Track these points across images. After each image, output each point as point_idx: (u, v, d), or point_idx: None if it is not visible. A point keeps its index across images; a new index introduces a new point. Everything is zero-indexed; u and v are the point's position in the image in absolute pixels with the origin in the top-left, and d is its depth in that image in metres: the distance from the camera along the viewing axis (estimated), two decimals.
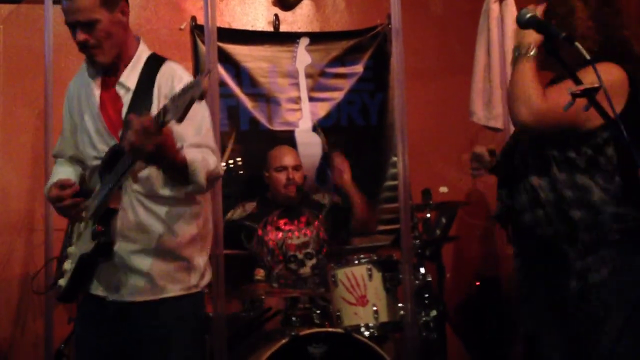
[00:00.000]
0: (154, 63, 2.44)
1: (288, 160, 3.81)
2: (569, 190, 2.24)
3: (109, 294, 2.39)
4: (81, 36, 2.33)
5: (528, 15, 2.08)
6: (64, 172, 2.54)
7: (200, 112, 2.35)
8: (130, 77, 2.41)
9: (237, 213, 3.78)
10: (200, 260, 2.47)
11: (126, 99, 2.39)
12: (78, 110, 2.49)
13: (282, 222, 3.73)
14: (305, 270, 3.63)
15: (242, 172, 4.10)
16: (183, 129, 2.23)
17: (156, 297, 2.37)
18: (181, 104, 1.97)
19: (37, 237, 3.72)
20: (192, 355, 2.45)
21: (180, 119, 1.99)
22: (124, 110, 2.37)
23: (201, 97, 1.95)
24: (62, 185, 2.41)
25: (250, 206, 3.81)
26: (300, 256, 3.64)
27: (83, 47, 2.37)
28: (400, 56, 3.14)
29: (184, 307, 2.41)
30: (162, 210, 2.38)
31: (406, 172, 3.05)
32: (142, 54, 2.46)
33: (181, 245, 2.41)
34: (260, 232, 3.71)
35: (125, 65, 2.42)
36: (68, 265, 2.42)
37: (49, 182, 2.52)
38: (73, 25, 2.35)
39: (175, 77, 2.39)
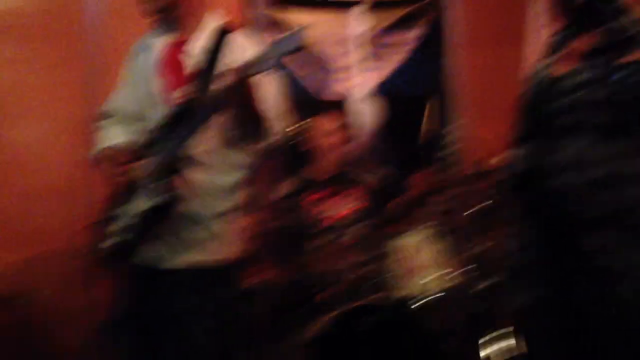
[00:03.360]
0: (223, 32, 2.47)
1: (319, 126, 3.73)
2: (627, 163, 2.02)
3: (150, 260, 2.40)
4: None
5: None
6: (117, 135, 2.55)
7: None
8: (196, 43, 2.45)
9: (281, 192, 3.70)
10: (238, 230, 2.51)
11: (190, 63, 2.42)
12: (137, 74, 2.53)
13: (325, 194, 3.64)
14: (350, 239, 3.54)
15: (289, 143, 4.07)
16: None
17: (194, 265, 2.40)
18: (274, 53, 2.07)
19: (81, 205, 3.72)
20: (223, 325, 2.48)
21: (268, 69, 2.11)
22: (186, 74, 2.41)
23: (296, 50, 2.05)
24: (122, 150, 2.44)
25: (293, 182, 3.74)
26: (344, 227, 3.56)
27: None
28: (456, 23, 3.06)
29: (219, 276, 2.44)
30: (210, 177, 2.40)
31: (463, 139, 2.96)
32: (209, 23, 2.49)
33: (227, 211, 2.45)
34: (304, 204, 3.63)
35: (190, 32, 2.47)
36: (117, 226, 2.41)
37: (102, 143, 2.54)
38: None
39: (242, 46, 2.43)
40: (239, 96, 2.19)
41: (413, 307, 3.06)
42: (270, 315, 3.20)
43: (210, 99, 2.26)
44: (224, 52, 2.42)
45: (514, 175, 2.30)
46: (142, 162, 2.37)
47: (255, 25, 3.97)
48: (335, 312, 3.00)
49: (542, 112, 2.19)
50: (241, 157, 2.46)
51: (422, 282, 3.13)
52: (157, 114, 2.40)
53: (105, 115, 2.62)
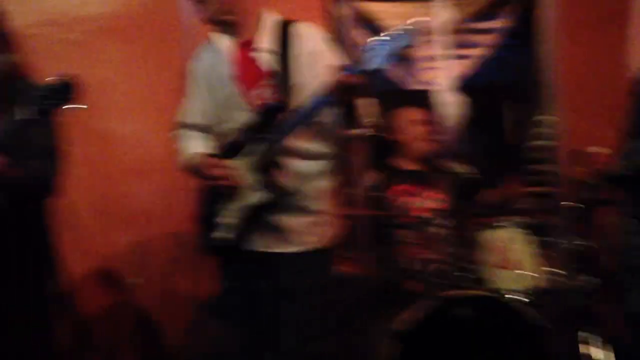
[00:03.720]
0: (284, 25, 2.54)
1: (402, 117, 3.75)
2: None
3: (254, 246, 2.51)
4: (207, 7, 2.48)
5: None
6: (199, 144, 2.64)
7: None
8: (263, 39, 2.50)
9: (369, 186, 3.72)
10: (334, 215, 2.61)
11: (264, 60, 2.48)
12: (209, 80, 2.60)
13: (412, 187, 3.67)
14: (441, 231, 3.57)
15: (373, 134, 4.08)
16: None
17: (295, 249, 2.51)
18: (384, 50, 2.10)
19: (180, 193, 3.88)
20: (323, 309, 2.58)
21: (381, 64, 2.13)
22: (266, 69, 2.47)
23: (411, 46, 2.07)
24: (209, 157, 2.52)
25: (379, 175, 3.76)
26: (434, 218, 3.59)
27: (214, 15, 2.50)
28: (550, 9, 3.01)
29: (318, 260, 2.55)
30: (307, 165, 2.51)
31: (560, 131, 2.95)
32: (268, 18, 2.55)
33: (320, 199, 2.55)
34: (391, 197, 3.68)
35: (251, 31, 2.52)
36: (226, 219, 2.52)
37: (187, 152, 2.63)
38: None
39: (308, 35, 2.52)
40: (344, 92, 2.23)
41: (507, 299, 3.07)
42: (363, 303, 3.26)
43: (315, 98, 2.31)
44: (293, 44, 2.48)
45: (632, 169, 2.23)
46: (237, 161, 2.46)
47: (338, 19, 4.00)
48: (430, 301, 3.03)
49: None
50: (331, 145, 2.54)
51: (516, 275, 3.14)
52: (240, 114, 2.49)
53: (183, 125, 2.71)
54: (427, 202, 3.61)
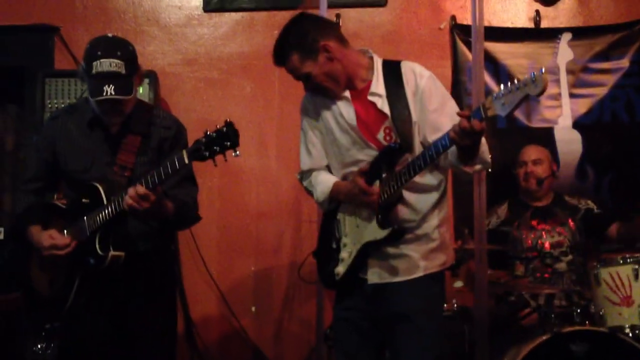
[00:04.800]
0: (392, 67, 2.64)
1: (528, 154, 3.81)
2: None
3: (373, 277, 2.61)
4: (307, 86, 2.65)
5: None
6: (330, 177, 2.73)
7: (450, 103, 2.59)
8: (377, 85, 2.60)
9: (492, 221, 3.79)
10: (450, 241, 2.72)
11: (382, 104, 2.58)
12: (324, 127, 2.71)
13: (534, 222, 3.71)
14: (562, 266, 3.58)
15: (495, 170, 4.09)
16: (440, 120, 2.49)
17: (411, 277, 2.58)
18: (514, 99, 2.11)
19: (303, 227, 4.08)
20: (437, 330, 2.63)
21: (509, 113, 2.16)
22: (385, 112, 2.57)
23: (539, 94, 2.08)
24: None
25: (503, 210, 3.83)
26: (555, 253, 3.61)
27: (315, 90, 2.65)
28: None
29: (433, 285, 2.62)
30: (424, 197, 2.61)
31: None
32: (377, 63, 2.65)
33: (435, 228, 2.62)
34: (515, 232, 3.73)
35: (363, 80, 2.63)
36: (345, 254, 2.64)
37: (321, 186, 2.72)
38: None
39: (416, 74, 2.60)
40: (468, 137, 2.29)
41: (625, 337, 3.05)
42: (485, 335, 3.26)
43: (438, 141, 2.38)
44: (403, 84, 2.57)
45: None
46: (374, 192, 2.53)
47: (463, 57, 4.12)
48: (547, 336, 3.05)
49: None
50: (440, 179, 2.62)
51: (636, 312, 3.10)
52: (365, 158, 2.59)
53: (307, 174, 2.81)
54: (551, 237, 3.65)
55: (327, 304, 3.53)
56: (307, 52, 2.57)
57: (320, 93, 2.66)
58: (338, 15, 4.17)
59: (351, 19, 4.24)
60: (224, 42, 4.30)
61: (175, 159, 2.46)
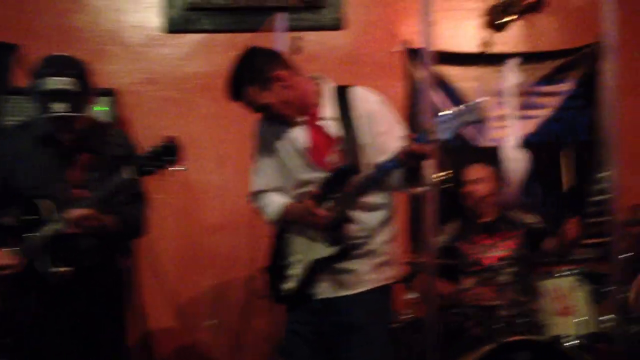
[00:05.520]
0: (343, 91, 2.77)
1: (469, 174, 3.96)
2: None
3: (322, 292, 2.72)
4: (266, 116, 2.76)
5: None
6: (282, 198, 2.83)
7: (398, 127, 2.72)
8: (327, 109, 2.73)
9: (444, 237, 3.88)
10: (396, 258, 2.82)
11: (332, 127, 2.71)
12: (277, 150, 2.80)
13: (481, 237, 3.85)
14: (506, 278, 3.69)
15: (449, 187, 4.21)
16: (388, 143, 2.61)
17: (359, 290, 2.70)
18: (455, 124, 2.28)
19: (260, 242, 4.13)
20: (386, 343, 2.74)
21: (451, 137, 2.31)
22: (335, 135, 2.69)
23: (478, 121, 2.24)
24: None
25: (451, 228, 3.94)
26: (500, 266, 3.71)
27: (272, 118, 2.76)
28: (613, 72, 3.19)
29: (381, 298, 2.74)
30: (372, 215, 2.72)
31: (616, 187, 3.10)
32: (327, 88, 2.78)
33: (383, 244, 2.74)
34: (463, 247, 3.86)
35: (314, 104, 2.74)
36: (295, 270, 2.75)
37: (273, 207, 2.82)
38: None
39: (365, 98, 2.74)
40: (413, 159, 2.45)
41: (565, 345, 3.19)
42: (431, 345, 3.34)
43: (384, 162, 2.53)
44: (352, 108, 2.70)
45: None
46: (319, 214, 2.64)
47: (417, 81, 4.25)
48: (491, 346, 3.18)
49: None
50: (388, 197, 2.75)
51: (574, 322, 3.26)
52: (314, 180, 2.69)
53: (259, 195, 2.90)
54: (495, 251, 3.78)
55: (282, 316, 3.58)
56: (263, 83, 2.67)
57: (277, 120, 2.76)
58: (298, 38, 4.29)
59: (310, 41, 4.36)
60: (184, 62, 4.38)
61: (119, 176, 2.53)
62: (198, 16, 4.37)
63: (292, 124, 2.74)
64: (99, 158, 2.78)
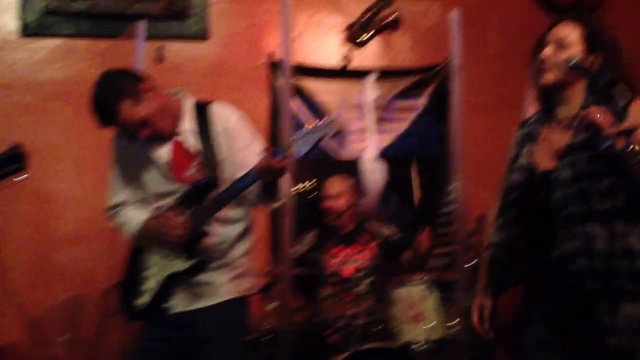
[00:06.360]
0: (203, 107, 2.78)
1: (329, 189, 4.03)
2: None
3: (177, 306, 2.72)
4: (144, 133, 2.64)
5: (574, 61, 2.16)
6: (141, 213, 2.80)
7: (256, 143, 2.74)
8: (187, 124, 2.73)
9: (301, 248, 3.94)
10: (252, 269, 2.84)
11: (191, 142, 2.71)
12: (136, 163, 2.78)
13: (338, 248, 3.92)
14: (363, 288, 3.77)
15: (306, 199, 4.26)
16: (247, 158, 2.62)
17: (214, 302, 2.71)
18: (311, 140, 2.35)
19: (118, 255, 4.05)
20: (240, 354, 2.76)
21: (308, 152, 2.37)
22: (195, 150, 2.70)
23: (333, 136, 2.33)
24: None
25: (308, 238, 4.01)
26: (357, 276, 3.80)
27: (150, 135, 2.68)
28: (459, 90, 3.37)
29: (236, 309, 2.75)
30: (229, 229, 2.75)
31: (462, 199, 3.27)
32: (187, 103, 2.78)
33: (240, 256, 2.77)
34: (320, 258, 3.91)
35: (176, 119, 2.72)
36: (149, 285, 2.74)
37: (131, 224, 2.80)
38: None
39: (225, 114, 2.76)
40: (270, 174, 2.48)
41: (416, 350, 3.34)
42: (288, 354, 3.44)
43: (242, 178, 2.56)
44: (211, 124, 2.72)
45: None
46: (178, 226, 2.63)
47: (280, 93, 4.25)
48: (346, 354, 3.28)
49: (539, 203, 2.23)
50: (245, 211, 2.78)
51: (424, 328, 3.41)
52: (173, 193, 2.69)
53: (117, 208, 2.88)
54: (354, 261, 3.87)
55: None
56: (134, 96, 2.61)
57: (134, 136, 2.68)
58: (161, 47, 4.26)
59: (172, 51, 4.33)
60: (41, 67, 4.24)
61: None
62: (57, 20, 4.25)
63: (153, 138, 2.69)
64: None
